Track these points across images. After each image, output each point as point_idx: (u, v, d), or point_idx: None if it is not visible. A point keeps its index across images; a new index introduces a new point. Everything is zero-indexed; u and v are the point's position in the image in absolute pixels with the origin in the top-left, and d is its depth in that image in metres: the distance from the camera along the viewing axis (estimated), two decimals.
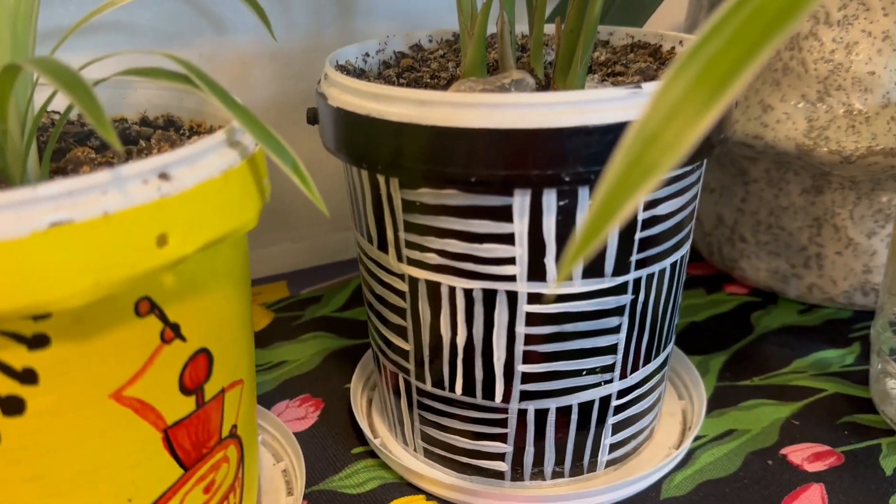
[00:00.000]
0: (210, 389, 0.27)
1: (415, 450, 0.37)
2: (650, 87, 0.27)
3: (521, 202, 0.28)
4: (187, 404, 0.27)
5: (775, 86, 0.45)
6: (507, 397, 0.33)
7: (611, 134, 0.27)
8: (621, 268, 0.30)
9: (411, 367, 0.34)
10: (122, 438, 0.24)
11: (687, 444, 0.37)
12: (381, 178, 0.31)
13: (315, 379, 0.44)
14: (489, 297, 0.30)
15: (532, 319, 0.31)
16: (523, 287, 0.30)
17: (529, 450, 0.34)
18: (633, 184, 0.17)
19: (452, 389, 0.33)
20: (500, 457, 0.34)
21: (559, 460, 0.34)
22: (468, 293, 0.31)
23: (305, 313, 0.51)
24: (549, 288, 0.30)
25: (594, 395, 0.33)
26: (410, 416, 0.36)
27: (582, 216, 0.29)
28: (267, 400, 0.43)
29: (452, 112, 0.27)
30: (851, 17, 0.42)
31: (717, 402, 0.41)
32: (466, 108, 0.27)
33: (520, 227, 0.29)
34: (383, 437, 0.39)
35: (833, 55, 0.43)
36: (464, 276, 0.30)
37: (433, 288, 0.31)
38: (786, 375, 0.43)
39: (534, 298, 0.30)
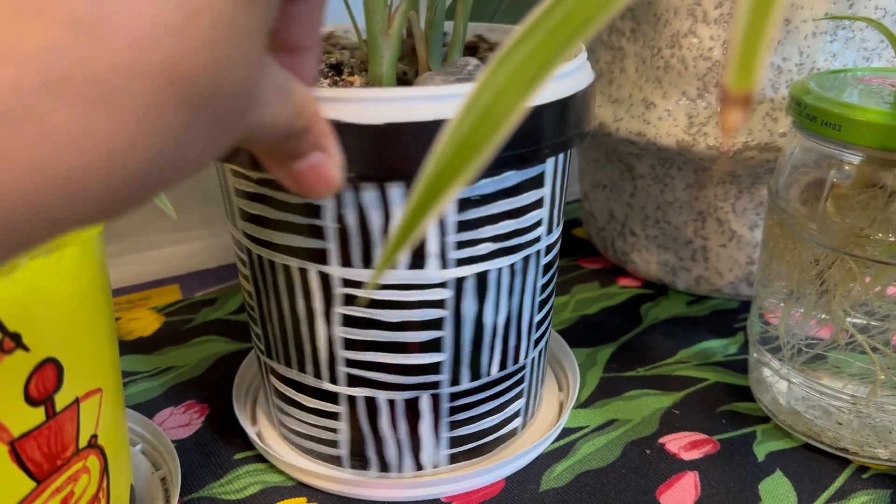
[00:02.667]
0: (62, 400, 0.27)
1: (281, 437, 0.38)
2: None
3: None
4: (35, 416, 0.26)
5: (657, 83, 0.46)
6: (333, 379, 0.33)
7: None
8: (441, 263, 0.30)
9: (262, 346, 0.36)
10: None
11: (552, 437, 0.38)
12: (225, 168, 0.32)
13: (202, 384, 0.43)
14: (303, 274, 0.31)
15: (347, 303, 0.31)
16: (336, 272, 0.31)
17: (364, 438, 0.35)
18: (448, 179, 0.17)
19: (290, 366, 0.34)
20: (334, 443, 0.35)
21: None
22: (287, 269, 0.32)
23: (197, 317, 0.50)
24: (367, 277, 0.31)
25: (422, 393, 0.33)
26: (271, 399, 0.37)
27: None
28: (152, 406, 0.41)
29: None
30: (728, 15, 0.44)
31: (602, 393, 0.42)
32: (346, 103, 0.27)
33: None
34: (270, 439, 0.38)
35: (711, 52, 0.44)
36: (285, 252, 0.31)
37: (266, 264, 0.32)
38: (670, 366, 0.44)
39: (350, 283, 0.31)
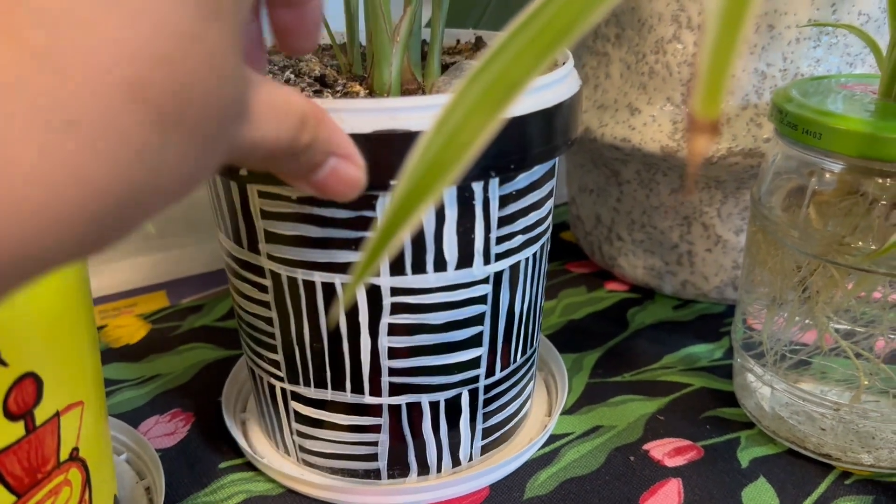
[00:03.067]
0: (42, 413, 0.26)
1: (292, 455, 0.37)
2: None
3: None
4: (15, 430, 0.26)
5: (642, 89, 0.46)
6: (375, 392, 0.33)
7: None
8: (485, 260, 0.31)
9: (283, 372, 0.34)
10: None
11: (539, 443, 0.38)
12: (251, 190, 0.30)
13: (188, 392, 0.43)
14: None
15: (396, 312, 0.31)
16: (386, 281, 0.30)
17: (404, 447, 0.35)
18: (428, 186, 0.18)
19: (322, 387, 0.34)
20: (372, 457, 0.35)
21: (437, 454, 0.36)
22: (330, 287, 0.31)
23: (184, 324, 0.50)
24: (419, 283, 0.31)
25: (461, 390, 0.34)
26: (288, 422, 0.36)
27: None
28: (138, 415, 0.41)
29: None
30: None
31: (587, 399, 0.42)
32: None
33: None
34: (259, 446, 0.38)
35: (695, 58, 0.44)
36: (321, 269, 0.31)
37: (301, 285, 0.31)
38: (655, 371, 0.44)
39: (399, 292, 0.31)
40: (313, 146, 0.21)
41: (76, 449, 0.29)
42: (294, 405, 0.35)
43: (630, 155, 0.47)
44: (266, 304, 0.33)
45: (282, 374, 0.34)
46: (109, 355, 0.47)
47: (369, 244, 0.18)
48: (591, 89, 0.49)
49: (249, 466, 0.37)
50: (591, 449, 0.38)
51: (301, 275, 0.31)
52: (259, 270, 0.32)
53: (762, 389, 0.39)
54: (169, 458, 0.38)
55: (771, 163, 0.37)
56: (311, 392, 0.34)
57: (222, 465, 0.38)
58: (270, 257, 0.31)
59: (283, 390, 0.35)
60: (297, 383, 0.34)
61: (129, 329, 0.49)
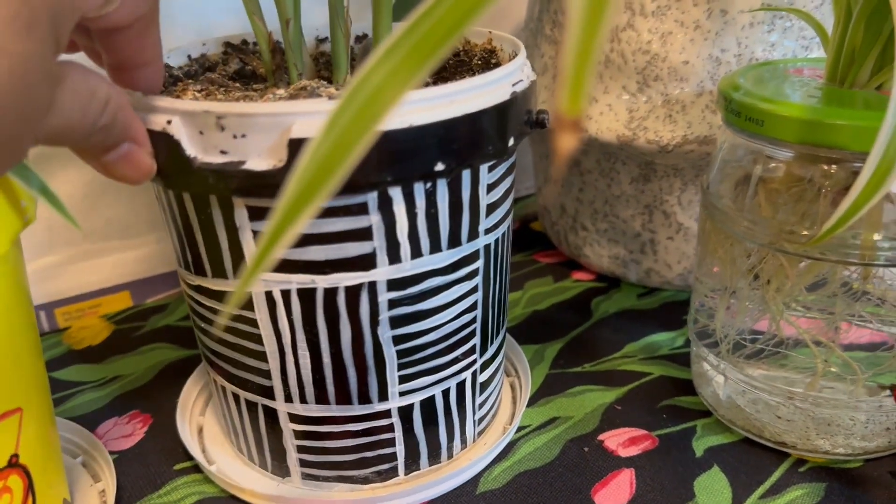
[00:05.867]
0: None
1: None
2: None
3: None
4: None
5: (598, 78, 0.46)
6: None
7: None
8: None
9: (281, 392, 0.33)
10: None
11: (518, 420, 0.39)
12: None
13: (147, 393, 0.43)
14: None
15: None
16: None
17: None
18: (315, 189, 0.17)
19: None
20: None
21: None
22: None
23: (147, 324, 0.50)
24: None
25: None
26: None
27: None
28: (98, 417, 0.41)
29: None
30: (665, 8, 0.43)
31: (546, 391, 0.42)
32: None
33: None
34: (214, 451, 0.38)
35: (650, 46, 0.44)
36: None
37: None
38: (616, 360, 0.44)
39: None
40: (111, 129, 0.23)
41: (16, 455, 0.29)
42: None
43: (588, 145, 0.47)
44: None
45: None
46: (71, 357, 0.47)
47: (259, 245, 0.18)
48: (549, 79, 0.49)
49: (202, 469, 0.37)
50: (546, 441, 0.38)
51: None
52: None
53: (717, 378, 0.39)
54: (126, 459, 0.38)
55: (718, 151, 0.37)
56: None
57: (177, 466, 0.37)
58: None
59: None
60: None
61: (93, 330, 0.49)
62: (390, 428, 0.34)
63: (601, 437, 0.38)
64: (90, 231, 0.50)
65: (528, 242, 0.59)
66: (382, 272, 0.30)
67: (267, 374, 0.33)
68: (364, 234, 0.29)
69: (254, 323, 0.31)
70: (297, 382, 0.32)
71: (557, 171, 0.46)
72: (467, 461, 0.36)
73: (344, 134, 0.17)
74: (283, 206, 0.17)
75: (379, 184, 0.28)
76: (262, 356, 0.32)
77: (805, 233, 0.33)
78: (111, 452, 0.38)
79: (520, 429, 0.39)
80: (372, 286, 0.30)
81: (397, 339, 0.32)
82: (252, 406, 0.34)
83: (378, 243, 0.29)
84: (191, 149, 0.27)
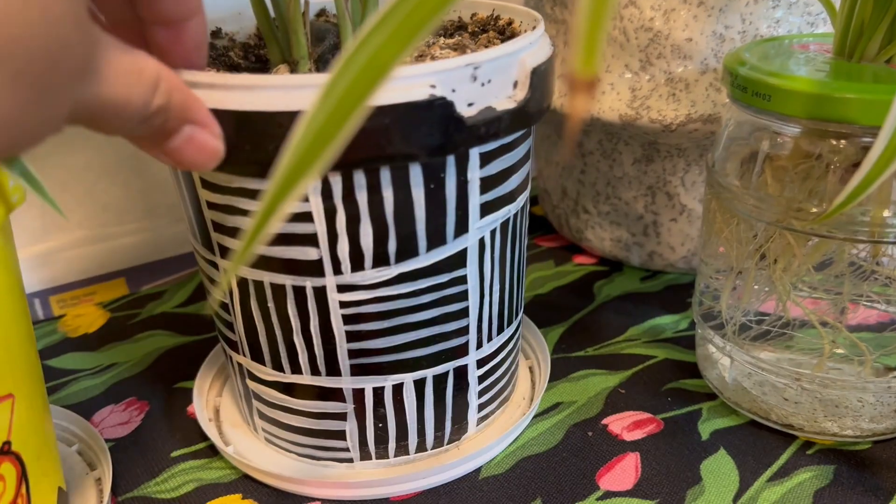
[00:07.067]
0: None
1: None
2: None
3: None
4: None
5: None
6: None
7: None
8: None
9: (245, 352, 0.34)
10: None
11: (538, 401, 0.38)
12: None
13: (144, 380, 0.42)
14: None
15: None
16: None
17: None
18: (302, 170, 0.17)
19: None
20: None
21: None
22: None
23: (143, 311, 0.49)
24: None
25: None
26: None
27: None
28: (94, 405, 0.41)
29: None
30: None
31: (549, 376, 0.41)
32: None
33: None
34: (232, 432, 0.38)
35: (652, 23, 0.43)
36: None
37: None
38: (619, 344, 0.43)
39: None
40: (166, 111, 0.21)
41: (8, 443, 0.28)
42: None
43: (590, 125, 0.46)
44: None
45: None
46: (67, 345, 0.46)
47: (248, 228, 0.17)
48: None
49: (202, 454, 0.37)
50: (549, 426, 0.37)
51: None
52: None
53: (723, 360, 0.38)
54: (122, 447, 0.38)
55: (724, 128, 0.36)
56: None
57: (174, 453, 0.37)
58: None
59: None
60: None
61: (88, 318, 0.48)
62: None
63: (605, 421, 0.37)
64: (85, 217, 0.49)
65: (529, 226, 0.58)
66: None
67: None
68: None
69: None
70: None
71: (570, 140, 0.45)
72: (477, 447, 0.35)
73: (338, 106, 0.16)
74: (276, 181, 0.17)
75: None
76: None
77: (814, 210, 0.32)
78: (108, 440, 0.38)
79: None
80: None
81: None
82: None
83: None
84: (460, 107, 0.27)
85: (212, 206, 0.30)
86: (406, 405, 0.33)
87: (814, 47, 0.36)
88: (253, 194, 0.28)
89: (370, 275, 0.30)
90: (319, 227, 0.28)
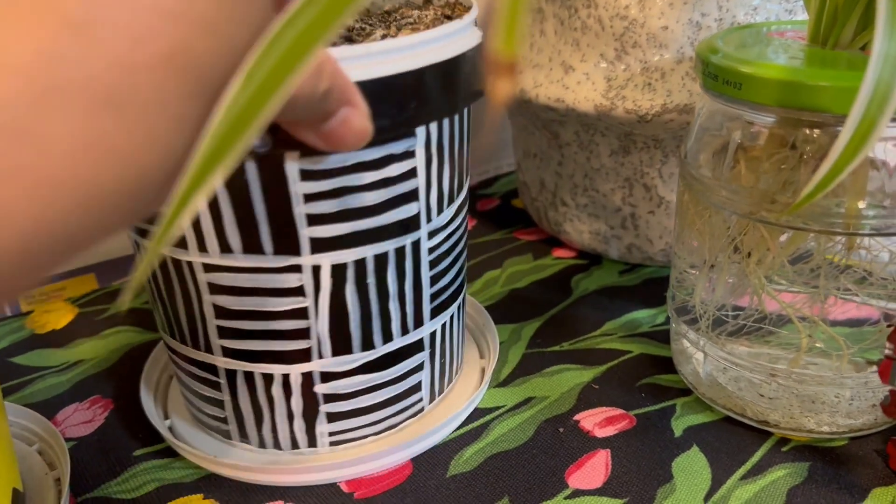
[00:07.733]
0: None
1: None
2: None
3: None
4: None
5: (575, 46, 0.44)
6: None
7: None
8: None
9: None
10: None
11: (461, 417, 0.37)
12: None
13: (110, 378, 0.41)
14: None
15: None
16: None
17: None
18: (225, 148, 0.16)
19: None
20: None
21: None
22: None
23: (111, 307, 0.48)
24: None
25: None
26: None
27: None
28: (58, 403, 0.40)
29: None
30: None
31: (522, 371, 0.40)
32: None
33: None
34: (181, 429, 0.37)
35: (628, 11, 0.42)
36: None
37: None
38: (595, 339, 0.43)
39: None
40: (331, 94, 0.21)
41: None
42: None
43: (566, 116, 0.45)
44: None
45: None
46: (34, 342, 0.45)
47: (168, 209, 0.16)
48: (525, 48, 0.47)
49: (165, 453, 0.36)
50: (520, 422, 0.37)
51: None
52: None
53: (697, 355, 0.38)
54: (85, 446, 0.37)
55: (696, 118, 0.35)
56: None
57: (137, 452, 0.36)
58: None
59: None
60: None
61: (57, 314, 0.48)
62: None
63: (577, 417, 0.37)
64: None
65: (508, 220, 0.57)
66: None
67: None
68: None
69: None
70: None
71: (491, 123, 0.44)
72: (436, 422, 0.35)
73: (260, 86, 0.15)
74: (198, 160, 0.16)
75: None
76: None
77: (790, 201, 0.32)
78: (70, 439, 0.37)
79: (493, 409, 0.37)
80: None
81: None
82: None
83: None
84: None
85: None
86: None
87: (790, 34, 0.36)
88: None
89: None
90: None
